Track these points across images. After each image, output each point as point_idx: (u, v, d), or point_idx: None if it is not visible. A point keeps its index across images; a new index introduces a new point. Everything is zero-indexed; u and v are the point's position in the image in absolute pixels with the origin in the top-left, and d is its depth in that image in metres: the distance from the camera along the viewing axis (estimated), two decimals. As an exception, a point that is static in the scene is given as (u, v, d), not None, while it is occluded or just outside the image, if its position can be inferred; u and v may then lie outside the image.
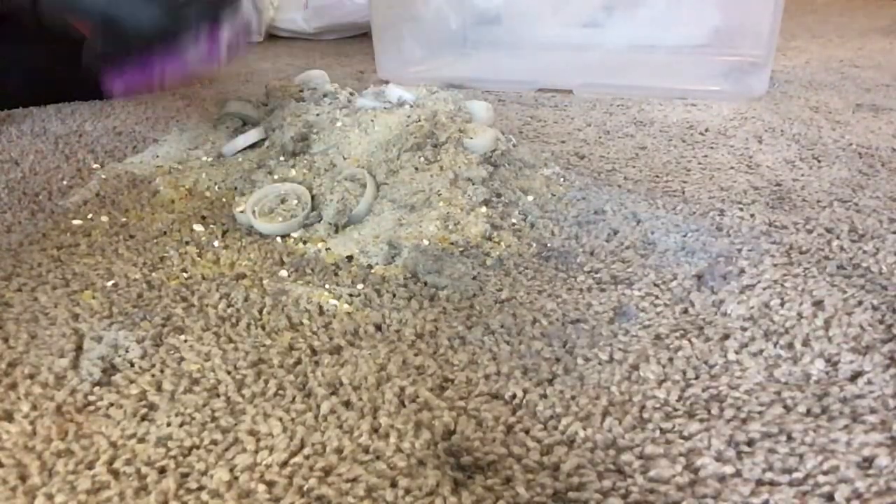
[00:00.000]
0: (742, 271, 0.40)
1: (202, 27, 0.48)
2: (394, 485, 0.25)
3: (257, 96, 0.64)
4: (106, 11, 0.47)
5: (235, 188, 0.53)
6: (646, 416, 0.29)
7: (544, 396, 0.30)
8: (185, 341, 0.34)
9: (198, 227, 0.48)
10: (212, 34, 0.49)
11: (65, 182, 0.57)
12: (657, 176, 0.56)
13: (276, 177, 0.52)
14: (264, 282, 0.40)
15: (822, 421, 0.28)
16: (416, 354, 0.33)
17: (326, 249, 0.44)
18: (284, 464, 0.27)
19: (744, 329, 0.34)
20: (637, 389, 0.30)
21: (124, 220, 0.49)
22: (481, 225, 0.45)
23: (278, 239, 0.46)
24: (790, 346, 0.33)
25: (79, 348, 0.34)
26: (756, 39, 0.83)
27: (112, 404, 0.30)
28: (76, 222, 0.49)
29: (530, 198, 0.50)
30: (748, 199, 0.51)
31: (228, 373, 0.32)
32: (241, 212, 0.47)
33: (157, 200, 0.53)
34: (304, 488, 0.25)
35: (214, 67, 0.49)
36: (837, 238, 0.44)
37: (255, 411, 0.29)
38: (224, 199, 0.52)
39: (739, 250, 0.42)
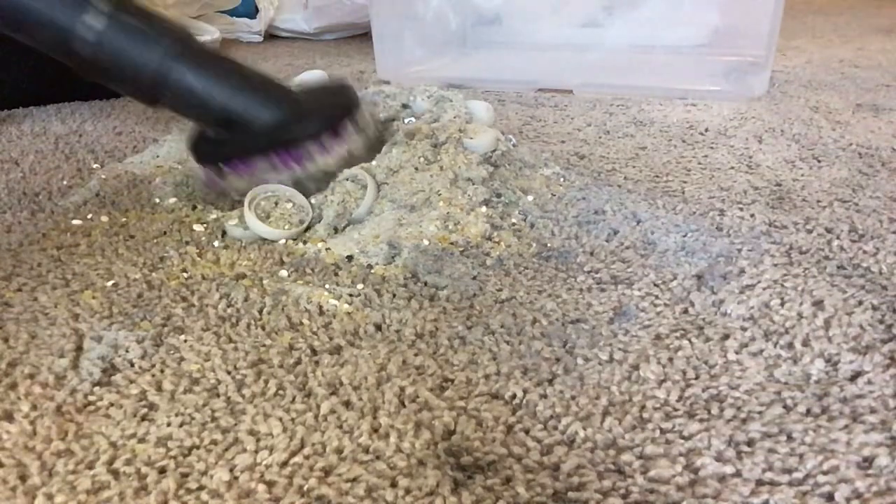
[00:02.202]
0: (742, 271, 0.40)
1: (321, 137, 0.48)
2: (394, 485, 0.25)
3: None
4: (225, 106, 0.47)
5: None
6: (646, 416, 0.29)
7: (544, 396, 0.30)
8: (185, 341, 0.34)
9: (198, 227, 0.48)
10: (340, 128, 0.48)
11: (65, 182, 0.57)
12: (657, 176, 0.56)
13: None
14: (264, 282, 0.40)
15: (822, 421, 0.28)
16: (416, 354, 0.33)
17: (326, 249, 0.44)
18: (284, 464, 0.27)
19: (744, 329, 0.34)
20: (637, 389, 0.30)
21: (124, 220, 0.49)
22: (481, 225, 0.45)
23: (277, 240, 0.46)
24: (790, 346, 0.33)
25: (79, 348, 0.34)
26: (756, 39, 0.83)
27: (112, 404, 0.30)
28: (76, 222, 0.49)
29: (530, 198, 0.50)
30: (748, 199, 0.51)
31: (228, 373, 0.32)
32: (235, 224, 0.47)
33: (159, 206, 0.53)
34: (304, 488, 0.25)
35: (331, 161, 0.49)
36: (837, 238, 0.44)
37: (255, 411, 0.29)
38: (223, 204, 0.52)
39: (739, 250, 0.42)
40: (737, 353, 0.33)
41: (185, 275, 0.41)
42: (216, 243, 0.45)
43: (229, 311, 0.37)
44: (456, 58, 1.12)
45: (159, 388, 0.31)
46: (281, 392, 0.31)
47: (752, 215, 0.47)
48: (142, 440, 0.28)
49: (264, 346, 0.34)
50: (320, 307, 0.37)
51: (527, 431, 0.28)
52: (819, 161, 0.59)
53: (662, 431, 0.28)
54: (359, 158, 0.50)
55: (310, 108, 0.49)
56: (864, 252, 0.42)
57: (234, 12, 1.46)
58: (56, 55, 0.46)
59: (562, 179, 0.54)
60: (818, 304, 0.36)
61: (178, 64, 0.46)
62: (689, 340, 0.34)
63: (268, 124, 0.47)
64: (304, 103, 0.49)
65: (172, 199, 0.52)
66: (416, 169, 0.49)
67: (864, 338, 0.33)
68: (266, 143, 0.47)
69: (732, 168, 0.57)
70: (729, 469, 0.26)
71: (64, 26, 0.44)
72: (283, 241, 0.45)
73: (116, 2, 0.45)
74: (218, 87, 0.47)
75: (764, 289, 0.38)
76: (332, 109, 0.49)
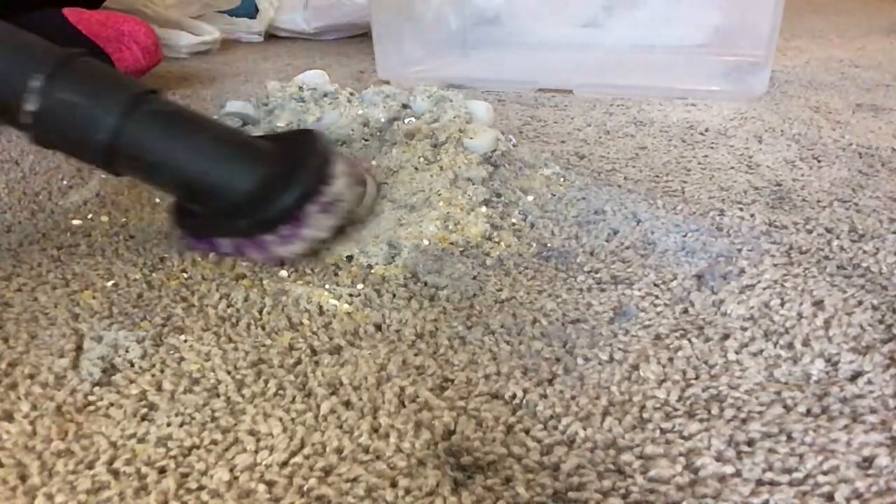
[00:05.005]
0: (742, 271, 0.40)
1: (296, 206, 0.40)
2: (394, 485, 0.25)
3: (257, 96, 0.65)
4: (196, 173, 0.41)
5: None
6: (646, 416, 0.29)
7: (544, 396, 0.30)
8: (185, 341, 0.34)
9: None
10: (301, 214, 0.40)
11: (65, 182, 0.57)
12: (657, 176, 0.56)
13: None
14: (264, 282, 0.40)
15: (822, 421, 0.28)
16: (416, 354, 0.33)
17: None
18: (284, 464, 0.27)
19: (744, 329, 0.34)
20: (637, 389, 0.30)
21: (124, 220, 0.49)
22: (481, 225, 0.45)
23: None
24: (790, 346, 0.33)
25: (79, 348, 0.34)
26: (756, 39, 0.83)
27: (112, 404, 0.30)
28: (76, 222, 0.49)
29: (530, 198, 0.50)
30: (748, 199, 0.51)
31: (228, 373, 0.32)
32: None
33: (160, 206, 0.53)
34: (304, 488, 0.25)
35: (296, 249, 0.41)
36: (837, 238, 0.44)
37: (255, 411, 0.29)
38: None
39: (739, 250, 0.42)
40: (737, 353, 0.33)
41: (185, 275, 0.41)
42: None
43: (229, 311, 0.37)
44: (456, 58, 1.12)
45: (159, 388, 0.31)
46: (281, 392, 0.31)
47: (752, 215, 0.47)
48: (142, 440, 0.28)
49: (264, 346, 0.34)
50: (320, 307, 0.37)
51: (527, 431, 0.28)
52: (819, 161, 0.59)
53: (662, 431, 0.28)
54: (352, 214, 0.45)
55: (285, 173, 0.41)
56: (864, 252, 0.42)
57: (234, 12, 1.46)
58: (13, 126, 0.40)
59: (562, 179, 0.54)
60: (818, 304, 0.36)
61: (136, 124, 0.39)
62: (689, 340, 0.34)
63: (238, 200, 0.41)
64: (277, 167, 0.42)
65: (173, 199, 0.52)
66: (416, 169, 0.49)
67: (864, 338, 0.33)
68: (234, 224, 0.41)
69: (732, 168, 0.58)
70: (729, 469, 0.26)
71: (13, 92, 0.38)
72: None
73: (62, 60, 0.39)
74: (181, 155, 0.40)
75: (764, 289, 0.38)
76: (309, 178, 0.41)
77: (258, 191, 0.40)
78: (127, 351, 0.34)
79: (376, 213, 0.47)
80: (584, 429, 0.28)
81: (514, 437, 0.28)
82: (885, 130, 0.67)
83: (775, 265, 0.40)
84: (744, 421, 0.28)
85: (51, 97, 0.38)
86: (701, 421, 0.28)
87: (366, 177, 0.46)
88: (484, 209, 0.47)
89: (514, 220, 0.47)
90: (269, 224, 0.40)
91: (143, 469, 0.26)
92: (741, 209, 0.48)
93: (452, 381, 0.31)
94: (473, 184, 0.48)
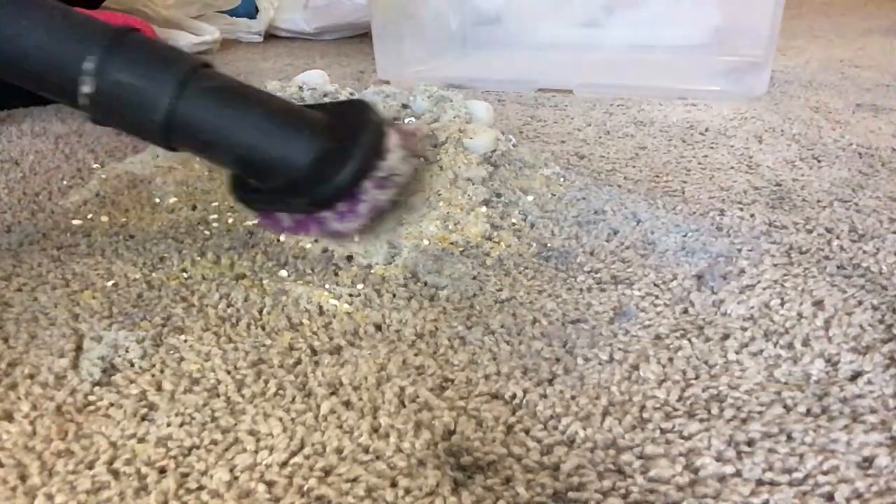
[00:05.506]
0: (742, 271, 0.40)
1: (352, 182, 0.39)
2: (394, 485, 0.25)
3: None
4: (252, 149, 0.40)
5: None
6: (646, 416, 0.29)
7: (544, 396, 0.30)
8: (185, 341, 0.34)
9: (198, 227, 0.48)
10: (357, 190, 0.40)
11: (65, 182, 0.57)
12: (657, 176, 0.56)
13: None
14: (264, 282, 0.40)
15: (822, 421, 0.28)
16: (416, 354, 0.33)
17: (326, 249, 0.44)
18: (284, 464, 0.27)
19: (744, 329, 0.34)
20: (637, 389, 0.30)
21: (124, 220, 0.49)
22: (481, 225, 0.45)
23: (279, 239, 0.46)
24: (790, 346, 0.33)
25: (79, 348, 0.34)
26: (756, 39, 0.83)
27: (112, 404, 0.30)
28: (76, 222, 0.49)
29: (530, 198, 0.50)
30: (748, 199, 0.51)
31: (228, 373, 0.32)
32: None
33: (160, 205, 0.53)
34: (304, 488, 0.25)
35: (354, 225, 0.40)
36: (837, 238, 0.44)
37: (255, 411, 0.29)
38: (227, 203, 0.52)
39: (739, 250, 0.42)
40: (737, 353, 0.33)
41: (184, 275, 0.41)
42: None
43: (229, 311, 0.37)
44: (456, 58, 1.12)
45: (159, 388, 0.31)
46: (281, 392, 0.31)
47: (752, 215, 0.47)
48: (142, 440, 0.28)
49: (264, 346, 0.34)
50: (320, 307, 0.37)
51: (527, 431, 0.28)
52: (819, 161, 0.59)
53: (662, 431, 0.28)
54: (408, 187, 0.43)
55: (342, 146, 0.41)
56: (864, 252, 0.42)
57: (234, 12, 1.46)
58: (72, 107, 0.41)
59: (562, 179, 0.54)
60: (818, 304, 0.36)
61: (189, 102, 0.40)
62: (689, 340, 0.34)
63: (295, 175, 0.40)
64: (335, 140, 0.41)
65: (172, 199, 0.52)
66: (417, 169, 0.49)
67: (864, 338, 0.33)
68: (291, 200, 0.41)
69: (732, 168, 0.58)
70: (729, 469, 0.26)
71: (68, 75, 0.39)
72: (283, 239, 0.45)
73: (114, 39, 0.39)
74: (236, 131, 0.40)
75: (764, 289, 0.38)
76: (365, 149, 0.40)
77: (314, 166, 0.40)
78: (127, 351, 0.34)
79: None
80: (584, 429, 0.28)
81: (514, 437, 0.28)
82: (885, 130, 0.67)
83: (775, 265, 0.40)
84: (744, 421, 0.28)
85: (105, 78, 0.39)
86: (701, 421, 0.28)
87: (420, 147, 0.46)
88: (484, 209, 0.47)
89: (514, 220, 0.47)
90: (326, 201, 0.40)
91: (143, 469, 0.26)
92: (741, 209, 0.48)
93: (452, 381, 0.31)
94: (473, 184, 0.48)
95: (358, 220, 0.40)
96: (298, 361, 0.33)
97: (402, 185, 0.42)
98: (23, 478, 0.26)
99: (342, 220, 0.40)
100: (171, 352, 0.34)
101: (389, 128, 0.42)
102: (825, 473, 0.25)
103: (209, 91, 0.41)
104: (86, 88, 0.39)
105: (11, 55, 0.39)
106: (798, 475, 0.25)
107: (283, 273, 0.41)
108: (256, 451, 0.27)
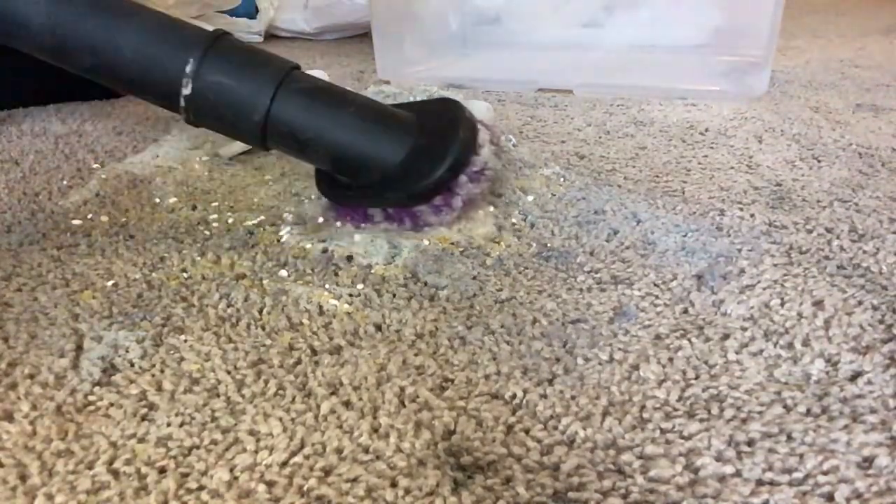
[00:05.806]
0: (742, 271, 0.40)
1: (448, 177, 0.42)
2: (394, 485, 0.25)
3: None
4: (346, 148, 0.42)
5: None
6: (646, 416, 0.29)
7: (544, 396, 0.30)
8: (185, 341, 0.34)
9: (198, 227, 0.48)
10: (452, 185, 0.42)
11: (65, 182, 0.57)
12: (657, 176, 0.56)
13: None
14: (264, 282, 0.40)
15: (822, 421, 0.28)
16: (416, 354, 0.33)
17: (326, 249, 0.44)
18: (284, 464, 0.27)
19: (744, 329, 0.34)
20: (637, 389, 0.30)
21: (124, 220, 0.49)
22: (489, 226, 0.45)
23: (279, 239, 0.46)
24: (790, 346, 0.33)
25: (79, 348, 0.34)
26: (756, 39, 0.83)
27: (112, 404, 0.30)
28: (76, 222, 0.49)
29: (530, 198, 0.50)
30: (748, 199, 0.51)
31: (228, 373, 0.32)
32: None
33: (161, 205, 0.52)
34: (304, 488, 0.25)
35: (448, 219, 0.43)
36: (837, 238, 0.44)
37: (255, 411, 0.29)
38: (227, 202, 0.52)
39: (739, 250, 0.42)
40: (737, 353, 0.33)
41: (184, 275, 0.41)
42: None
43: (229, 311, 0.37)
44: (456, 58, 1.12)
45: (159, 388, 0.31)
46: (281, 392, 0.31)
47: (752, 215, 0.47)
48: (142, 440, 0.28)
49: (264, 346, 0.34)
50: (320, 307, 0.37)
51: (527, 431, 0.28)
52: (819, 161, 0.59)
53: (662, 431, 0.28)
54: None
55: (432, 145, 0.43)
56: (864, 252, 0.42)
57: (234, 12, 1.46)
58: (167, 108, 0.43)
59: (562, 179, 0.54)
60: (818, 304, 0.36)
61: (285, 102, 0.41)
62: (689, 340, 0.34)
63: (389, 172, 0.42)
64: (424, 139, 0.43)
65: (172, 199, 0.53)
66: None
67: (864, 338, 0.33)
68: (385, 195, 0.43)
69: (732, 168, 0.57)
70: (729, 469, 0.26)
71: (169, 77, 0.40)
72: (284, 239, 0.45)
73: (209, 42, 0.41)
74: (329, 131, 0.42)
75: (764, 289, 0.38)
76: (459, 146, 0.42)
77: (408, 163, 0.42)
78: (127, 351, 0.34)
79: None
80: (584, 429, 0.28)
81: (514, 437, 0.28)
82: (885, 130, 0.67)
83: (775, 265, 0.40)
84: (744, 421, 0.28)
85: (202, 81, 0.40)
86: (701, 421, 0.28)
87: (504, 143, 0.48)
88: (492, 209, 0.47)
89: (514, 220, 0.47)
90: (422, 196, 0.42)
91: (143, 469, 0.26)
92: (741, 209, 0.48)
93: (452, 381, 0.31)
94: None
95: (453, 212, 0.43)
96: (298, 361, 0.33)
97: (493, 180, 0.45)
98: (23, 478, 0.26)
99: (438, 213, 0.43)
100: (171, 352, 0.34)
101: (479, 124, 0.44)
102: (825, 473, 0.25)
103: (303, 92, 0.42)
104: (186, 90, 0.40)
105: (112, 60, 0.41)
106: (798, 475, 0.25)
107: (283, 273, 0.41)
108: (256, 451, 0.27)
